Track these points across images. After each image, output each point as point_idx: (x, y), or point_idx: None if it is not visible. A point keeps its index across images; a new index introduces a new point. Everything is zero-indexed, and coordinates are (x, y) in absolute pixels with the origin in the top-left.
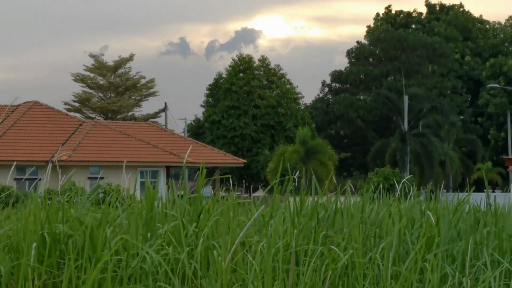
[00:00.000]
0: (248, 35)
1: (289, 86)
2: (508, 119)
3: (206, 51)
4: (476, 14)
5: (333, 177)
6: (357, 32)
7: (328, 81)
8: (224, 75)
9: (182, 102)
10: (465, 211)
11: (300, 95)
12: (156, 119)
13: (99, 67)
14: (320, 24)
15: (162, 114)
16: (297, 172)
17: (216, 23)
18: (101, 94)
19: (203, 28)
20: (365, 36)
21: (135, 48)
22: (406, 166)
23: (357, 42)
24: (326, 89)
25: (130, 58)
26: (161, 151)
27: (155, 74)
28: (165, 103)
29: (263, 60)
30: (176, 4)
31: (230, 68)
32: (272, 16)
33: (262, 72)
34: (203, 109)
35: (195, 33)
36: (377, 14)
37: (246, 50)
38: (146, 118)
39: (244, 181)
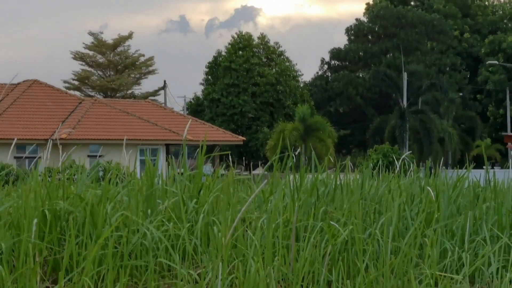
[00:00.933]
0: (247, 13)
1: (288, 63)
2: (507, 96)
3: (206, 29)
4: None
5: (332, 153)
6: (356, 10)
7: (327, 58)
8: (223, 53)
9: (181, 80)
10: (465, 187)
11: (299, 73)
12: (156, 97)
13: (98, 45)
14: (320, 2)
15: (162, 92)
16: (298, 150)
17: (215, 0)
18: (100, 72)
19: (202, 5)
20: (364, 13)
21: (135, 26)
22: (405, 143)
23: (356, 19)
24: (325, 66)
25: (129, 36)
26: (161, 129)
27: (154, 52)
28: (164, 81)
29: (263, 38)
30: None
31: (230, 46)
32: None
33: (261, 50)
34: (202, 87)
35: (194, 11)
36: None
37: (246, 28)
38: (146, 96)
39: (243, 158)
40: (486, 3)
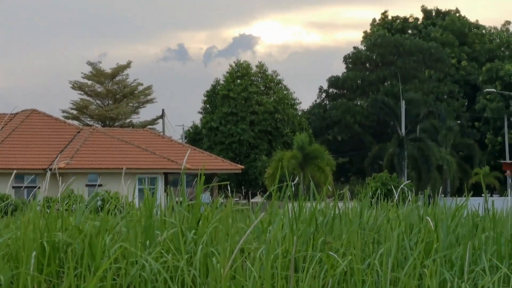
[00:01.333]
0: (245, 41)
1: (286, 92)
2: (505, 124)
3: (204, 57)
4: (472, 19)
5: (331, 182)
6: (354, 38)
7: (325, 86)
8: (221, 82)
9: (179, 109)
10: (464, 216)
11: (297, 101)
12: (154, 126)
13: (97, 74)
14: (317, 30)
15: (160, 120)
16: (297, 179)
17: (214, 29)
18: (99, 102)
19: (201, 34)
20: (361, 41)
21: (134, 55)
22: (404, 171)
23: (354, 47)
24: (323, 94)
25: (128, 65)
26: (159, 157)
27: (153, 81)
28: (163, 110)
29: (261, 66)
30: (174, 10)
31: (228, 75)
32: (269, 22)
33: (259, 78)
34: (200, 116)
35: (193, 39)
36: (374, 20)
37: (244, 56)
38: (144, 125)
39: (242, 187)
40: (483, 31)
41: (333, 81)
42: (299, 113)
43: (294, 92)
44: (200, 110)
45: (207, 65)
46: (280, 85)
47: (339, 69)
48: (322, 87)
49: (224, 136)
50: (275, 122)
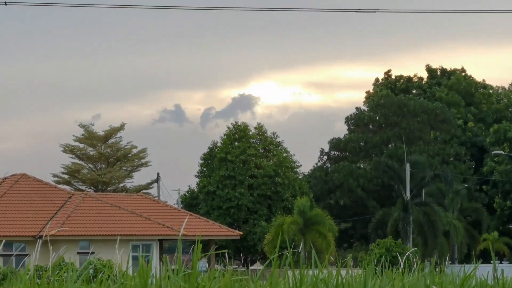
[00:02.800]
0: (245, 102)
1: (286, 154)
2: None
3: (201, 118)
4: (478, 78)
5: (333, 249)
6: (356, 98)
7: (326, 149)
8: (219, 144)
9: (175, 173)
10: (472, 285)
11: (297, 164)
12: (149, 191)
13: (89, 137)
14: (317, 90)
15: (155, 185)
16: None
17: (211, 89)
18: (91, 165)
19: (198, 94)
20: (364, 102)
21: (128, 116)
22: (409, 237)
23: (356, 108)
24: (325, 157)
25: (121, 127)
26: (154, 223)
27: (147, 143)
28: (158, 174)
29: (259, 128)
30: (171, 70)
31: (225, 137)
32: (268, 82)
33: (258, 141)
34: (197, 180)
35: (190, 100)
36: (376, 79)
37: (243, 117)
38: (138, 189)
39: (240, 253)
40: (491, 91)
41: (335, 143)
42: (300, 176)
43: (294, 154)
44: (197, 174)
45: (204, 126)
46: (280, 148)
47: (341, 130)
48: (323, 149)
49: (222, 200)
50: (274, 186)
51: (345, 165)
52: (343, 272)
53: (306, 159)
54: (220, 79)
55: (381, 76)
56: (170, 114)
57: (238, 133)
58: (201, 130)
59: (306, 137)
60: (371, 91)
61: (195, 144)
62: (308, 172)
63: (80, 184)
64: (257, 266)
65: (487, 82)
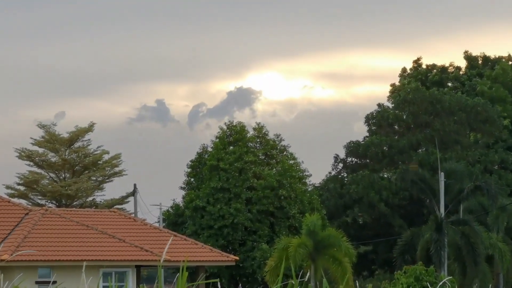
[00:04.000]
0: (243, 97)
1: (292, 161)
2: None
3: (190, 117)
4: None
5: (350, 278)
6: (378, 93)
7: (342, 154)
8: (209, 149)
9: (156, 184)
10: None
11: (306, 173)
12: (123, 206)
13: (51, 140)
14: (331, 83)
15: (131, 199)
16: (308, 275)
17: (202, 82)
18: (52, 175)
19: (186, 87)
20: (388, 97)
21: (99, 114)
22: (444, 263)
23: (379, 105)
24: (340, 165)
25: (90, 128)
26: (130, 246)
27: (122, 148)
28: (135, 185)
29: (260, 129)
30: (151, 58)
31: (217, 140)
32: (271, 73)
33: (258, 145)
34: (183, 192)
35: (176, 94)
36: (404, 70)
37: (240, 117)
38: (111, 204)
39: (236, 283)
40: None
41: (353, 148)
42: (310, 188)
43: (302, 161)
44: (183, 185)
45: (192, 127)
46: (285, 153)
47: (360, 132)
48: (338, 155)
49: (213, 218)
50: (278, 200)
51: (365, 175)
52: None
53: (317, 167)
54: (212, 69)
55: (409, 65)
56: (151, 112)
57: (234, 135)
58: (188, 132)
59: (317, 141)
60: (397, 83)
61: (180, 148)
62: (320, 184)
63: (40, 197)
64: None
65: None
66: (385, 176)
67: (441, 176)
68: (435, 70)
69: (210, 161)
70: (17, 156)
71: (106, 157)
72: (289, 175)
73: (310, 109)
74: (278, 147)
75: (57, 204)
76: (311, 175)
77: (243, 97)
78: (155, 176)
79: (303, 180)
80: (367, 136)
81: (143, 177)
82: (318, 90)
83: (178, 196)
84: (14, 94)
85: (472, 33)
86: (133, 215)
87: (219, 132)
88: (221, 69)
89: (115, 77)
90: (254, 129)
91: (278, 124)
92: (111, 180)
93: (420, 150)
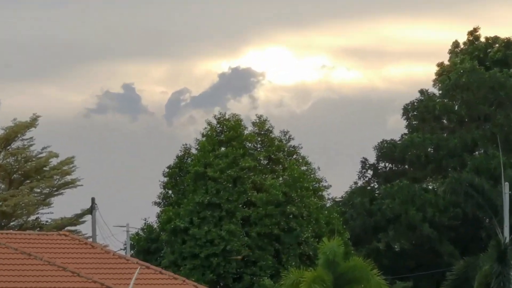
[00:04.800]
0: (240, 80)
1: (305, 168)
2: None
3: (167, 108)
4: None
5: None
6: (421, 75)
7: (372, 158)
8: (194, 150)
9: (122, 198)
10: None
11: (324, 184)
12: (78, 227)
13: None
14: (358, 62)
15: (88, 218)
16: None
17: (185, 61)
18: None
19: (163, 68)
20: (434, 81)
21: (44, 104)
22: None
23: (421, 91)
24: (370, 172)
25: (33, 123)
26: (87, 281)
27: (77, 148)
28: (93, 200)
29: (261, 124)
30: (115, 30)
31: (205, 138)
32: (277, 49)
33: (259, 145)
34: (158, 209)
35: (149, 77)
36: (455, 44)
37: (235, 107)
38: (61, 225)
39: None
40: None
41: (386, 150)
42: (328, 204)
43: (319, 168)
44: (158, 200)
45: (171, 120)
46: (295, 156)
47: (396, 128)
48: (366, 159)
49: (199, 244)
50: (286, 219)
51: (403, 186)
52: None
53: (339, 175)
54: (198, 43)
55: (463, 38)
56: (116, 101)
57: (226, 133)
58: (165, 128)
59: (338, 140)
60: (446, 63)
61: (155, 150)
62: (342, 197)
63: None
64: None
65: None
66: (430, 187)
67: (505, 187)
68: (497, 45)
69: (194, 168)
70: None
71: (54, 161)
72: (300, 186)
73: (330, 97)
74: (286, 149)
75: None
76: (330, 186)
77: (239, 80)
78: (121, 188)
79: (320, 193)
80: (405, 134)
81: (104, 188)
82: (341, 72)
83: (151, 214)
84: None
85: None
86: (91, 239)
87: (206, 128)
88: (210, 43)
89: (67, 55)
90: (254, 124)
91: (287, 118)
92: (61, 193)
93: (477, 153)
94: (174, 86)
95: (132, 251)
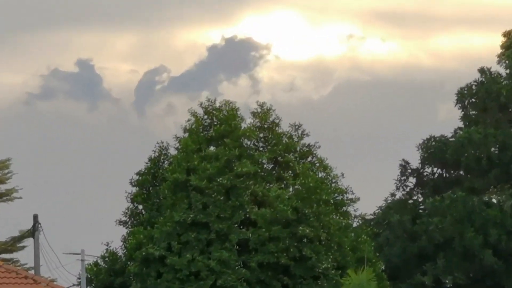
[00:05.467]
0: (236, 57)
1: (323, 174)
2: None
3: (138, 92)
4: None
5: None
6: (480, 48)
7: (415, 161)
8: (172, 151)
9: (75, 215)
10: None
11: (350, 195)
12: (15, 255)
13: None
14: (396, 30)
15: (29, 241)
16: None
17: (162, 29)
18: None
19: (130, 40)
20: (499, 56)
21: None
22: None
23: (481, 70)
24: (412, 180)
25: None
26: None
27: (14, 147)
28: (36, 218)
29: (264, 114)
30: None
31: (187, 135)
32: (286, 13)
33: (261, 143)
34: (124, 230)
35: (113, 52)
36: None
37: (231, 92)
38: None
39: None
40: None
41: (435, 149)
42: (355, 222)
43: (342, 174)
44: (124, 218)
45: (143, 110)
46: (310, 159)
47: (448, 120)
48: (407, 162)
49: (179, 278)
50: (297, 244)
51: (457, 198)
52: None
53: (369, 184)
54: (180, 5)
55: None
56: (67, 82)
57: (217, 127)
58: (135, 119)
59: (369, 136)
60: None
61: (120, 150)
62: (374, 214)
63: None
64: None
65: None
66: (494, 200)
67: None
68: None
69: (173, 174)
70: None
71: None
72: (317, 200)
73: (358, 79)
74: (298, 148)
75: None
76: (358, 199)
77: (236, 56)
78: (73, 202)
79: (343, 209)
80: (460, 128)
81: (51, 202)
82: (373, 44)
83: (114, 237)
84: None
85: None
86: (33, 271)
87: (190, 120)
88: (196, 7)
89: (3, 23)
90: (255, 114)
91: (299, 107)
92: None
93: None
94: (147, 64)
95: (89, 287)
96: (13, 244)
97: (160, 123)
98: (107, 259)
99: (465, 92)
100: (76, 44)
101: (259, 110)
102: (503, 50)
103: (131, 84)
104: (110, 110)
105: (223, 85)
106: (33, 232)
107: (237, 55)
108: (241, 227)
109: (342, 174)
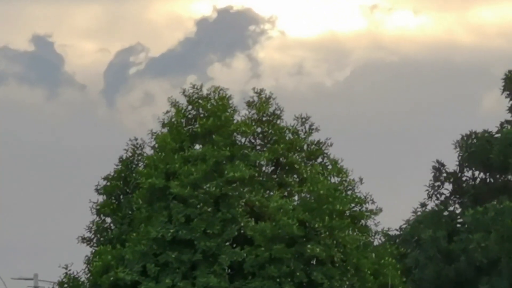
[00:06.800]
0: (231, 32)
1: (337, 179)
2: None
3: (108, 77)
4: None
5: None
6: None
7: (451, 162)
8: (148, 150)
9: (28, 232)
10: None
11: (370, 206)
12: None
13: None
14: (429, 5)
15: None
16: None
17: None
18: None
19: (99, 11)
20: None
21: None
22: None
23: None
24: (448, 186)
25: None
26: None
27: None
28: None
29: (262, 104)
30: None
31: (166, 130)
32: None
33: (258, 140)
34: (88, 250)
35: (78, 26)
36: None
37: (224, 76)
38: None
39: None
40: None
41: (477, 148)
42: (377, 239)
43: (361, 179)
44: (88, 234)
45: (114, 99)
46: (321, 160)
47: (493, 112)
48: (442, 164)
49: None
50: (304, 266)
51: (505, 209)
52: None
53: (395, 191)
54: None
55: None
56: (20, 64)
57: (204, 120)
58: (104, 109)
59: (394, 131)
60: None
61: (85, 147)
62: (401, 229)
63: None
64: None
65: None
66: None
67: None
68: None
69: (149, 179)
70: None
71: None
72: (329, 211)
73: (382, 60)
74: (306, 147)
75: None
76: (380, 210)
77: (231, 31)
78: (26, 214)
79: (362, 222)
80: (507, 122)
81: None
82: (401, 17)
83: (76, 258)
84: None
85: None
86: None
87: (170, 111)
88: None
89: None
90: (251, 104)
91: (308, 94)
92: None
93: None
94: (120, 41)
95: None
96: None
97: (135, 116)
98: (66, 285)
99: None
100: (30, 17)
101: (256, 98)
102: None
103: (100, 67)
104: (73, 99)
105: (214, 68)
106: None
107: (233, 30)
108: (234, 245)
109: (361, 179)
